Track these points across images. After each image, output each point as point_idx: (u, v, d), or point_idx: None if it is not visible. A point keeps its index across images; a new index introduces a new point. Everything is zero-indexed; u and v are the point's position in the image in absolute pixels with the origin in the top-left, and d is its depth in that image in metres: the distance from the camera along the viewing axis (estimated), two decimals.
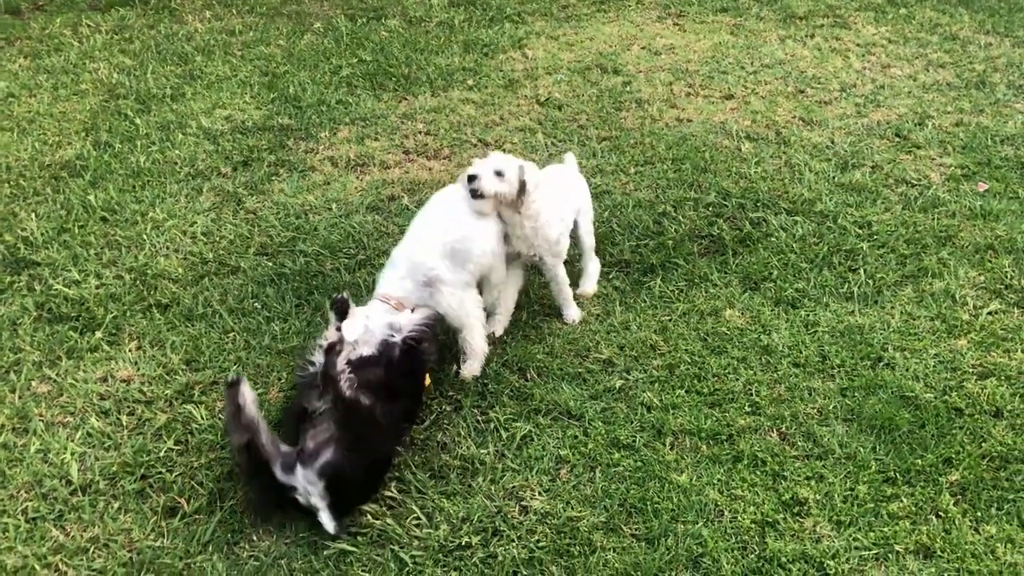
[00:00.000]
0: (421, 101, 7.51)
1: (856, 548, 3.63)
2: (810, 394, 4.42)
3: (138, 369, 4.66)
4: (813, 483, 3.93)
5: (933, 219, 5.72)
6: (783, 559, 3.59)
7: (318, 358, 4.05)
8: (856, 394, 4.40)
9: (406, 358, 4.18)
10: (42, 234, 5.73)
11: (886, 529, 3.70)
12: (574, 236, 5.06)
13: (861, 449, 4.09)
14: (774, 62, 8.20)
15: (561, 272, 4.88)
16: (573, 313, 4.96)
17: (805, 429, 4.21)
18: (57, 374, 4.62)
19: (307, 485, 3.68)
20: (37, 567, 3.61)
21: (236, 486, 3.98)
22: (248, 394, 3.76)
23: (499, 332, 4.85)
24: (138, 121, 7.21)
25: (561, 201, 4.86)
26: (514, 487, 3.96)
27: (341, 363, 3.86)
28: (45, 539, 3.74)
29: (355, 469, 3.75)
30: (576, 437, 4.21)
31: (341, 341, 3.96)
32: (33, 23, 9.59)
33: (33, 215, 5.94)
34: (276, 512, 3.83)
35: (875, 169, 6.37)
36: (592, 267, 5.23)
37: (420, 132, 7.03)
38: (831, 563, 3.56)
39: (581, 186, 5.26)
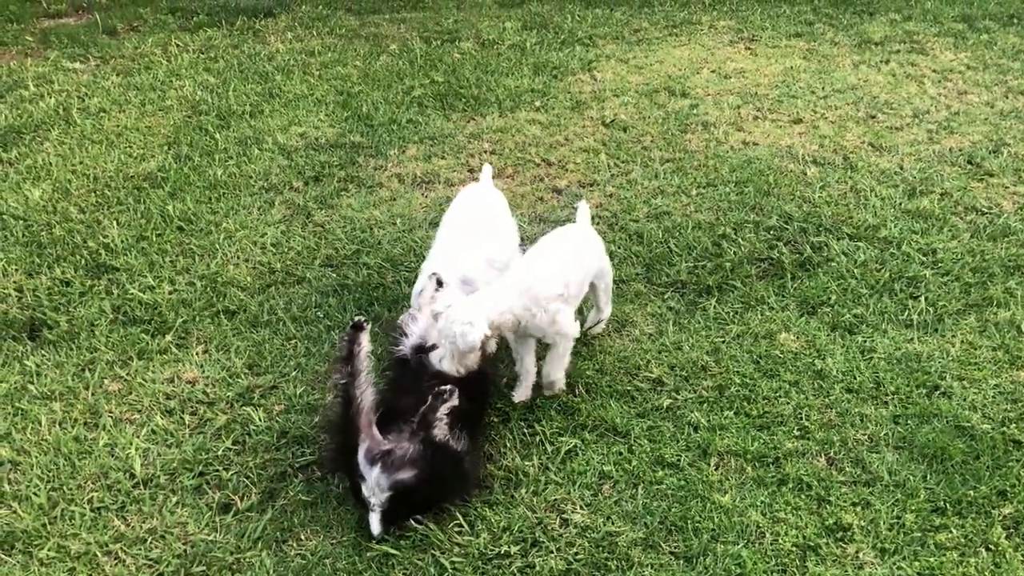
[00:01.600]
0: (488, 121, 7.66)
1: None
2: (862, 420, 4.36)
3: (203, 371, 4.87)
4: (859, 509, 3.88)
5: (1002, 248, 5.58)
6: None
7: (412, 330, 4.39)
8: (909, 422, 4.32)
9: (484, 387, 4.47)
10: (122, 241, 6.03)
11: (932, 559, 3.63)
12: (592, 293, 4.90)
13: (911, 477, 4.01)
14: (846, 87, 8.12)
15: (564, 347, 4.48)
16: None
17: (854, 455, 4.16)
18: (128, 374, 4.86)
19: (375, 486, 3.80)
20: (98, 554, 3.80)
21: (288, 486, 4.13)
22: (366, 344, 4.03)
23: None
24: (218, 136, 7.53)
25: (570, 267, 4.53)
26: (556, 500, 4.01)
27: (443, 411, 3.91)
28: (107, 528, 3.94)
29: (422, 498, 3.88)
30: (620, 453, 4.24)
31: (450, 392, 3.95)
32: (127, 43, 10.10)
33: (115, 223, 6.25)
34: (337, 472, 4.09)
35: (944, 196, 6.25)
36: (604, 314, 5.02)
37: (485, 151, 7.17)
38: None
39: (594, 247, 4.86)
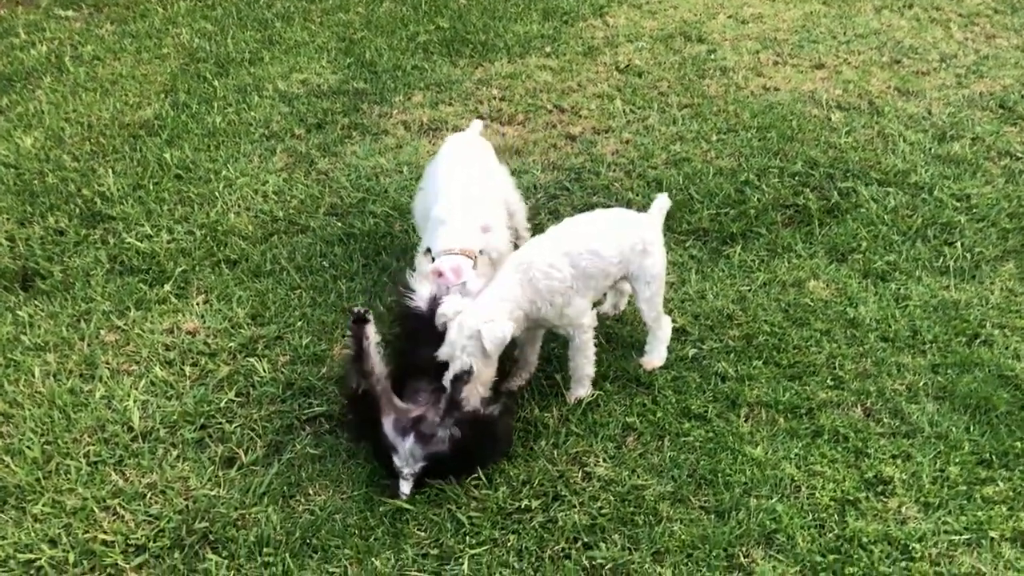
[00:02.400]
0: (497, 67, 7.36)
1: (946, 532, 3.36)
2: (899, 370, 4.14)
3: (204, 322, 4.64)
4: (899, 462, 3.67)
5: None
6: (864, 539, 3.34)
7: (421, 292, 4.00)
8: (949, 371, 4.10)
9: None
10: (118, 190, 5.77)
11: (980, 514, 3.42)
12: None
13: (953, 429, 3.80)
14: (868, 32, 7.80)
15: (581, 339, 4.00)
16: (581, 392, 4.08)
17: (892, 406, 3.94)
18: (125, 324, 4.63)
19: (409, 456, 3.59)
20: (96, 509, 3.60)
21: (295, 439, 3.92)
22: (372, 336, 3.73)
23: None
24: (216, 84, 7.23)
25: (586, 256, 3.90)
26: (577, 452, 3.79)
27: (467, 391, 3.67)
28: (105, 482, 3.73)
29: (457, 467, 3.68)
30: (644, 405, 4.02)
31: (469, 374, 3.68)
32: None
33: (110, 171, 5.99)
34: (362, 443, 3.86)
35: (976, 141, 5.98)
36: (659, 334, 4.23)
37: (495, 98, 6.88)
38: (917, 546, 3.30)
39: (635, 239, 4.03)
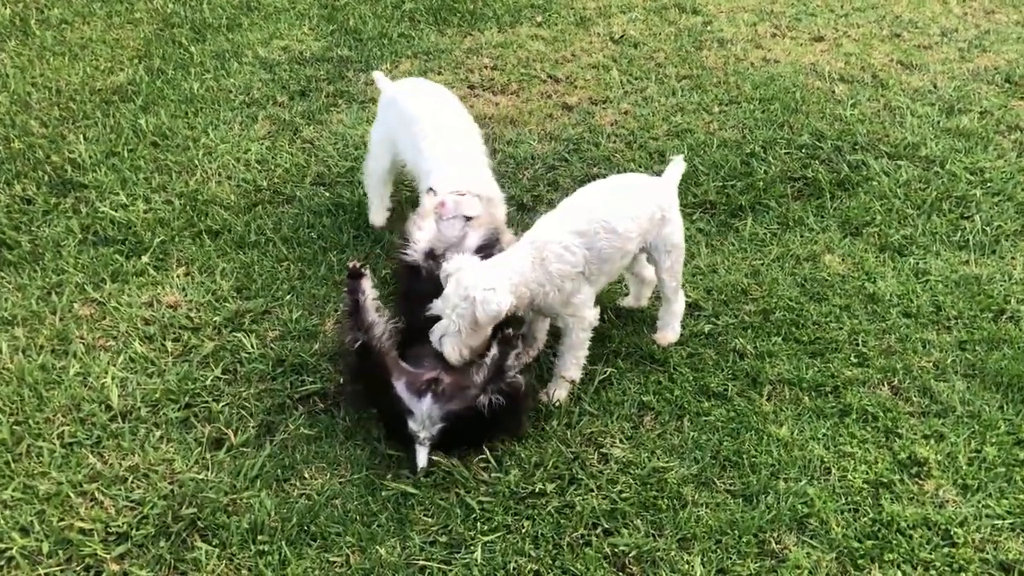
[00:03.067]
0: (487, 36, 7.06)
1: (987, 516, 3.18)
2: (924, 346, 3.95)
3: (185, 295, 4.34)
4: (932, 442, 3.48)
5: None
6: (902, 524, 3.15)
7: (419, 239, 3.80)
8: (977, 348, 3.92)
9: None
10: (90, 157, 5.43)
11: (1023, 496, 3.23)
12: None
13: (986, 407, 3.61)
14: (866, 5, 7.60)
15: (578, 336, 3.69)
16: (562, 393, 3.73)
17: (920, 383, 3.75)
18: (101, 297, 4.32)
19: (426, 419, 3.35)
20: (72, 494, 3.30)
21: (288, 419, 3.64)
22: (369, 291, 3.52)
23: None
24: (192, 49, 6.88)
25: (602, 235, 3.58)
26: (592, 433, 3.56)
27: (512, 360, 3.40)
28: (81, 466, 3.43)
29: (477, 434, 3.45)
30: (660, 383, 3.79)
31: (516, 337, 3.44)
32: None
33: (81, 138, 5.64)
34: (367, 409, 3.63)
35: (984, 115, 5.81)
36: (675, 308, 4.01)
37: (486, 67, 6.60)
38: (959, 531, 3.11)
39: (653, 208, 3.75)
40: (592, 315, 3.66)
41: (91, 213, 4.92)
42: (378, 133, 4.69)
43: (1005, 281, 4.31)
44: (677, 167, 4.00)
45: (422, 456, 3.33)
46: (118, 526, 3.19)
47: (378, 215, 4.84)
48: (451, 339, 3.38)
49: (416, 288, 3.66)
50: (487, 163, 4.37)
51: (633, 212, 3.66)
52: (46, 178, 5.23)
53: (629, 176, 4.00)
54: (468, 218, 3.86)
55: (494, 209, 4.04)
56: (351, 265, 3.53)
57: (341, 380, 3.75)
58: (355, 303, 3.49)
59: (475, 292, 3.30)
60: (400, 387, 3.38)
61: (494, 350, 3.38)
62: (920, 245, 4.59)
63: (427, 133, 4.25)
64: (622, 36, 7.04)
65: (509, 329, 3.38)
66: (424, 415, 3.32)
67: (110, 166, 5.36)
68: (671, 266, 3.84)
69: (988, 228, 4.67)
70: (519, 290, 3.43)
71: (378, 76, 4.87)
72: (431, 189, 3.97)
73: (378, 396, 3.46)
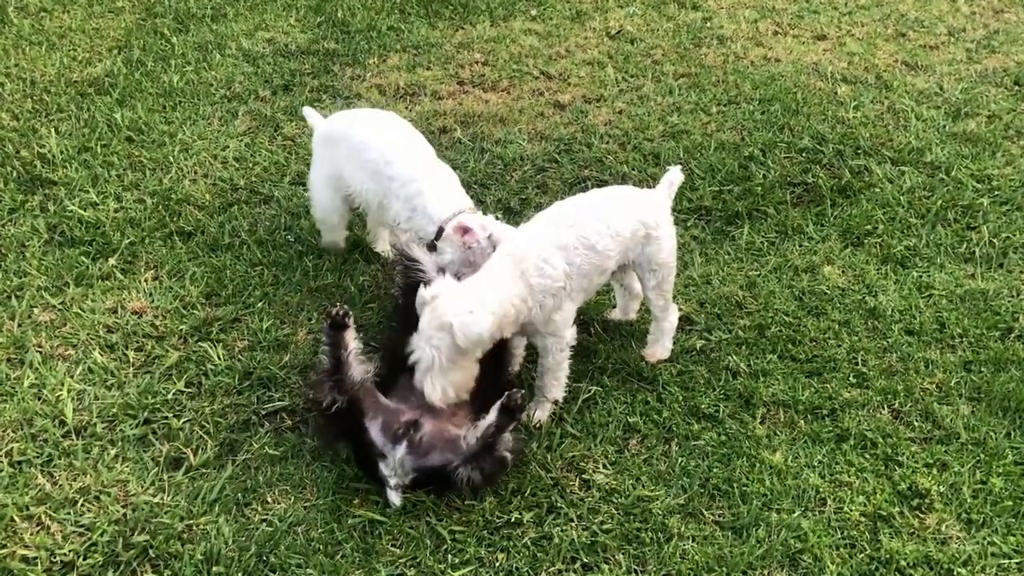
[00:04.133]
0: (479, 30, 6.85)
1: (993, 555, 2.97)
2: (927, 366, 3.74)
3: (152, 301, 4.13)
4: (935, 472, 3.27)
5: None
6: (902, 562, 2.94)
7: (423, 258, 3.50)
8: (983, 369, 3.71)
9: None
10: (61, 152, 5.21)
11: None
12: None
13: (992, 434, 3.41)
14: (871, 3, 7.39)
15: (556, 356, 3.45)
16: (543, 415, 3.51)
17: (923, 407, 3.54)
18: (62, 302, 4.11)
19: (399, 467, 3.11)
20: (17, 518, 3.09)
21: (252, 438, 3.44)
22: (353, 344, 3.22)
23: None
24: (174, 40, 6.65)
25: (580, 248, 3.34)
26: (574, 457, 3.35)
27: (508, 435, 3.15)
28: (29, 486, 3.22)
29: (450, 486, 3.16)
30: (648, 403, 3.59)
31: (522, 404, 3.12)
32: None
33: (53, 132, 5.42)
34: (336, 446, 3.34)
35: (992, 119, 5.60)
36: (664, 324, 3.76)
37: (477, 62, 6.38)
38: (962, 571, 2.91)
39: (639, 221, 3.49)
40: (571, 334, 3.44)
41: (59, 212, 4.71)
42: (323, 173, 4.21)
43: (1013, 297, 4.10)
44: (673, 178, 3.75)
45: (394, 499, 3.11)
46: (64, 554, 2.98)
47: (340, 238, 4.44)
48: (432, 376, 3.09)
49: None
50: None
51: (614, 229, 3.41)
52: (14, 174, 5.02)
53: (617, 188, 3.75)
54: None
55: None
56: (333, 312, 3.18)
57: (311, 421, 3.49)
58: (337, 360, 3.17)
59: (452, 318, 3.03)
60: (374, 430, 3.14)
61: (493, 416, 3.08)
62: (924, 257, 4.38)
63: (398, 162, 3.92)
64: (619, 32, 6.82)
65: (518, 392, 3.05)
66: (396, 463, 3.09)
67: (82, 162, 5.14)
68: (657, 285, 3.61)
69: (995, 240, 4.46)
70: (503, 308, 3.16)
71: (308, 112, 4.42)
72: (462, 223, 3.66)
73: (350, 436, 3.23)
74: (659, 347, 3.77)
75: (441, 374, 3.08)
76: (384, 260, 4.36)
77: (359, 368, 3.23)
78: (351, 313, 3.25)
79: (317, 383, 3.26)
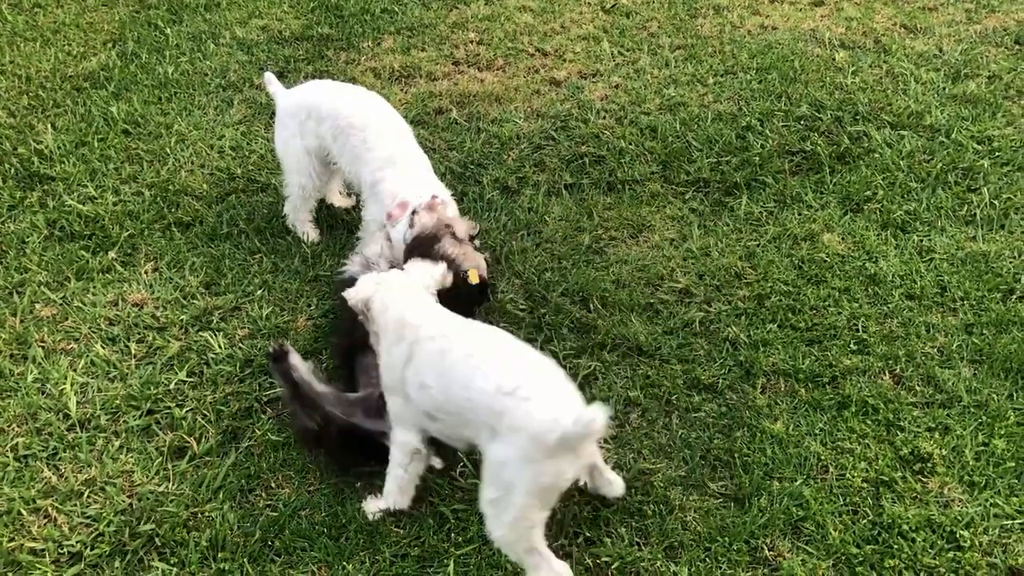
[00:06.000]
0: (473, 9, 6.80)
1: (996, 516, 2.97)
2: (928, 331, 3.72)
3: (152, 292, 4.15)
4: (937, 435, 3.26)
5: None
6: (904, 526, 2.94)
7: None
8: (984, 331, 3.69)
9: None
10: (59, 147, 5.22)
11: None
12: None
13: (994, 396, 3.39)
14: None
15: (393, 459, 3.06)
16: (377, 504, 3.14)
17: (924, 371, 3.53)
18: (63, 297, 4.13)
19: None
20: (24, 511, 3.13)
21: (254, 424, 3.46)
22: (301, 365, 3.27)
23: None
24: (168, 31, 6.64)
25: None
26: None
27: None
28: (35, 480, 3.26)
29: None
30: (648, 377, 3.59)
31: None
32: None
33: (50, 127, 5.43)
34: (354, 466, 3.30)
35: (992, 79, 5.53)
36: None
37: (472, 42, 6.34)
38: (965, 533, 2.91)
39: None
40: (404, 439, 3.06)
41: (58, 207, 4.73)
42: (296, 145, 4.22)
43: (1014, 258, 4.07)
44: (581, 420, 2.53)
45: (436, 462, 3.17)
46: (71, 545, 3.02)
47: (313, 231, 4.47)
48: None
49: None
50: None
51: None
52: (12, 171, 5.04)
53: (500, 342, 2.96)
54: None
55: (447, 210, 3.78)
56: (271, 349, 3.27)
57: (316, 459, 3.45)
58: (293, 385, 3.21)
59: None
60: (364, 423, 3.17)
61: None
62: (924, 221, 4.35)
63: (366, 137, 3.94)
64: (614, 5, 6.75)
65: None
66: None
67: (79, 156, 5.15)
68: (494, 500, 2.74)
69: (996, 201, 4.42)
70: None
71: (269, 77, 4.40)
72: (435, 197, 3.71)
73: (354, 449, 3.25)
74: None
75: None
76: None
77: (317, 383, 3.27)
78: (286, 344, 3.30)
79: (292, 415, 3.31)
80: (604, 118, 5.34)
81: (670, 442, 3.30)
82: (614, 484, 3.07)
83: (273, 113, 5.52)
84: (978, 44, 5.96)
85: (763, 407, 3.41)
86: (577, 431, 2.45)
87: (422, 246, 3.48)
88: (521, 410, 2.55)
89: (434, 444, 3.08)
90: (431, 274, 3.09)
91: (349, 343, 3.41)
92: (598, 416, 2.43)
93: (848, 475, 3.13)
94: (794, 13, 6.55)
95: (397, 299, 2.93)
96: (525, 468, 2.55)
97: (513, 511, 2.61)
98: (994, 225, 4.30)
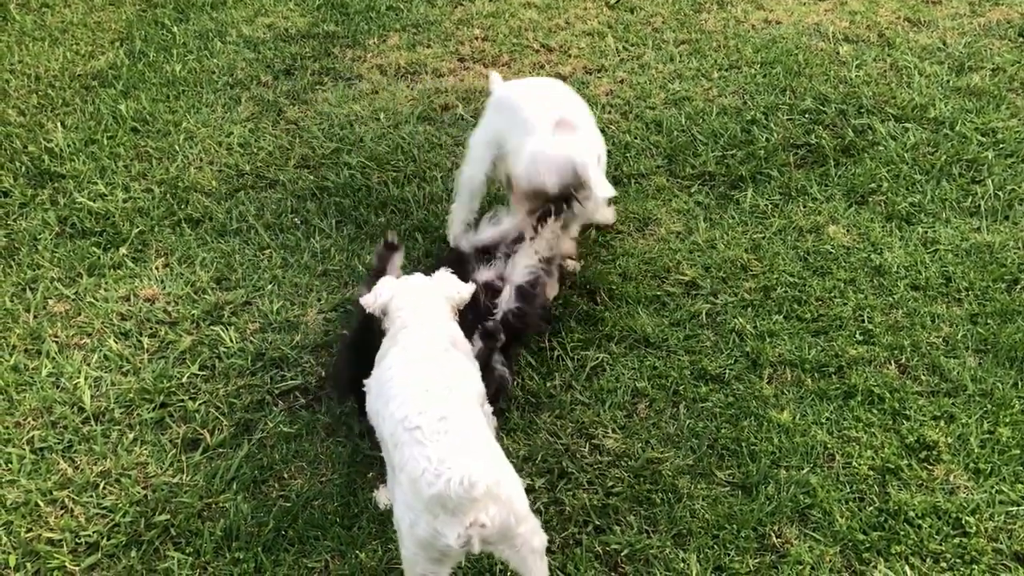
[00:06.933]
0: (478, 6, 6.83)
1: (1001, 503, 3.00)
2: (933, 321, 3.75)
3: (163, 287, 4.19)
4: (942, 424, 3.30)
5: None
6: (910, 513, 2.98)
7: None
8: (989, 321, 3.72)
9: None
10: (68, 145, 5.27)
11: None
12: None
13: (999, 385, 3.42)
14: None
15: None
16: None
17: (929, 361, 3.56)
18: (76, 292, 4.17)
19: None
20: (41, 503, 3.18)
21: (266, 417, 3.50)
22: (398, 264, 3.45)
23: None
24: (175, 30, 6.68)
25: None
26: (583, 423, 3.40)
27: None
28: (52, 472, 3.31)
29: None
30: (655, 368, 3.62)
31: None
32: None
33: (60, 125, 5.48)
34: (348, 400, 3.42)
35: (996, 72, 5.55)
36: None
37: (477, 38, 6.37)
38: (971, 519, 2.94)
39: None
40: None
41: (69, 204, 4.77)
42: (483, 135, 4.20)
43: (1019, 249, 4.09)
44: None
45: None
46: (88, 535, 3.07)
47: (459, 227, 4.22)
48: None
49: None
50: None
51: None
52: (23, 169, 5.08)
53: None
54: None
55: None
56: (388, 238, 3.45)
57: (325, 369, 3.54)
58: (381, 270, 3.33)
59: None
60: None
61: (478, 342, 3.22)
62: (929, 212, 4.38)
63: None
64: (618, 1, 6.78)
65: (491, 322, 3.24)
66: None
67: (89, 154, 5.20)
68: None
69: (1000, 192, 4.45)
70: None
71: (493, 76, 4.45)
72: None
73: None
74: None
75: None
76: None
77: None
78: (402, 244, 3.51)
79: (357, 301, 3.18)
80: (610, 112, 5.37)
81: (678, 432, 3.34)
82: None
83: (280, 110, 5.59)
84: (982, 37, 5.98)
85: (770, 397, 3.44)
86: (456, 491, 2.24)
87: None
88: (410, 452, 2.41)
89: None
90: (457, 288, 3.04)
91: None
92: (480, 481, 2.23)
93: (854, 463, 3.16)
94: (798, 8, 6.57)
95: (410, 301, 2.93)
96: (405, 512, 2.43)
97: (403, 551, 2.51)
98: (998, 216, 4.32)
